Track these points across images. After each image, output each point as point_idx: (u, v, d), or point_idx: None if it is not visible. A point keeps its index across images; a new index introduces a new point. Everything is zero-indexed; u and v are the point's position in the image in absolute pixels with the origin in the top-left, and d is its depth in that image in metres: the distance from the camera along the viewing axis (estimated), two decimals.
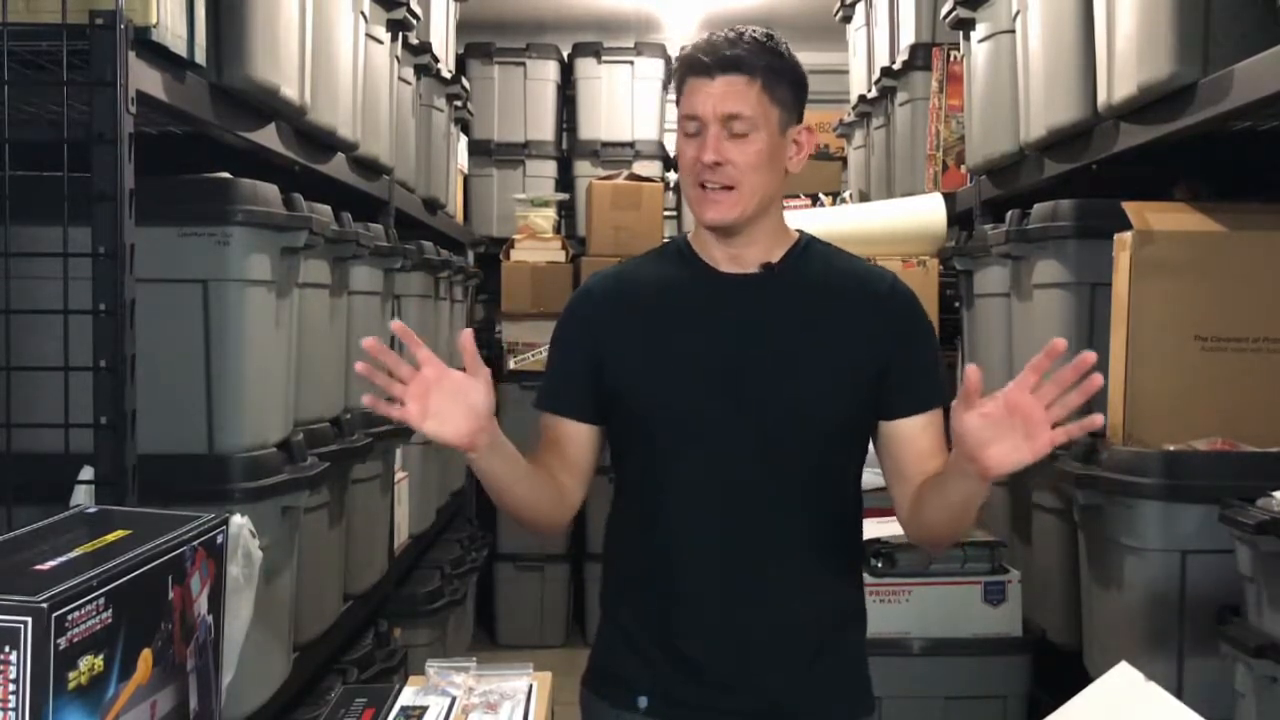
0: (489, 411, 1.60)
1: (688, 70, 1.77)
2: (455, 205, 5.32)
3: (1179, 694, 1.57)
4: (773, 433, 1.76)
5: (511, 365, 5.65)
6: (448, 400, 1.59)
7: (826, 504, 1.81)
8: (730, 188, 1.74)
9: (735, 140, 1.73)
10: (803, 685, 1.79)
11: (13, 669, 1.04)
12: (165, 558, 1.27)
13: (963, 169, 3.92)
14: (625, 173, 5.90)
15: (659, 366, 1.79)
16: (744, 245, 1.80)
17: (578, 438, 1.83)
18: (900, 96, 4.47)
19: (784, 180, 1.82)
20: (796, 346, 1.78)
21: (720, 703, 1.77)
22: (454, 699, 1.78)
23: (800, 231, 1.89)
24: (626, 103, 6.36)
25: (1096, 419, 1.51)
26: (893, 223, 3.90)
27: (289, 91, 2.47)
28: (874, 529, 2.94)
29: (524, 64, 6.30)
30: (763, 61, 1.74)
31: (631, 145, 6.34)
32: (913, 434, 1.79)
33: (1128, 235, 2.43)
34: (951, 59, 4.04)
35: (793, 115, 1.79)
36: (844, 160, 5.78)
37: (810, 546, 1.79)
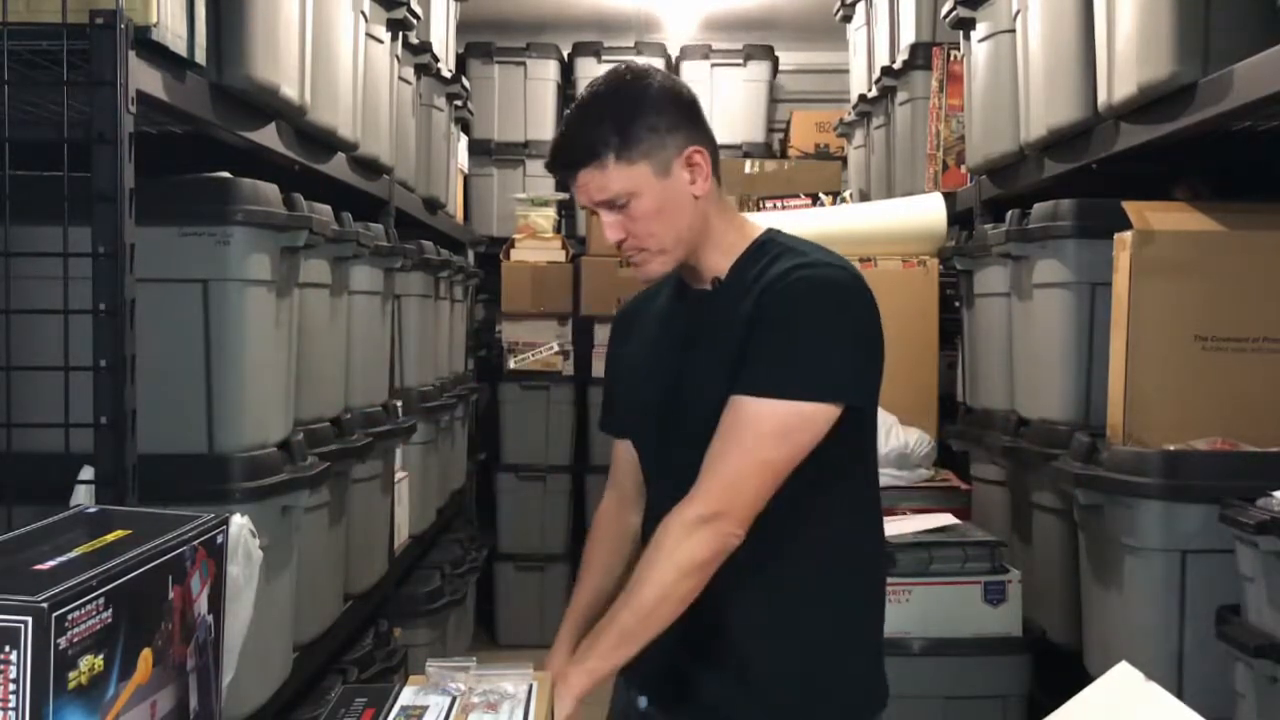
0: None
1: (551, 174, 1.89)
2: (455, 205, 5.32)
3: (1179, 694, 1.57)
4: (694, 440, 1.74)
5: (511, 365, 5.65)
6: None
7: (768, 511, 1.73)
8: (641, 249, 1.81)
9: (622, 212, 1.78)
10: (735, 694, 1.80)
11: (13, 669, 1.04)
12: (165, 558, 1.27)
13: (963, 169, 3.92)
14: None
15: (626, 379, 1.97)
16: (696, 270, 1.86)
17: (627, 451, 2.00)
18: (900, 96, 4.47)
19: (701, 205, 1.80)
20: (714, 356, 1.78)
21: (685, 702, 1.84)
22: (454, 699, 1.78)
23: (768, 231, 1.88)
24: None
25: None
26: (893, 223, 3.90)
27: (289, 91, 2.47)
28: None
29: (524, 64, 6.29)
30: (601, 138, 1.74)
31: None
32: (726, 413, 1.70)
33: (1128, 235, 2.43)
34: (952, 59, 4.04)
35: (668, 150, 1.76)
36: (844, 160, 5.78)
37: (754, 556, 1.75)
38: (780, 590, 1.81)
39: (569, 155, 1.79)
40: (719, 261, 1.83)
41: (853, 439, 1.79)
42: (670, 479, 1.79)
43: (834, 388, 1.71)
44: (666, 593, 1.67)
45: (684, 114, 1.79)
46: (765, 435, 1.68)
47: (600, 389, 2.17)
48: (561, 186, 6.30)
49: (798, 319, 1.72)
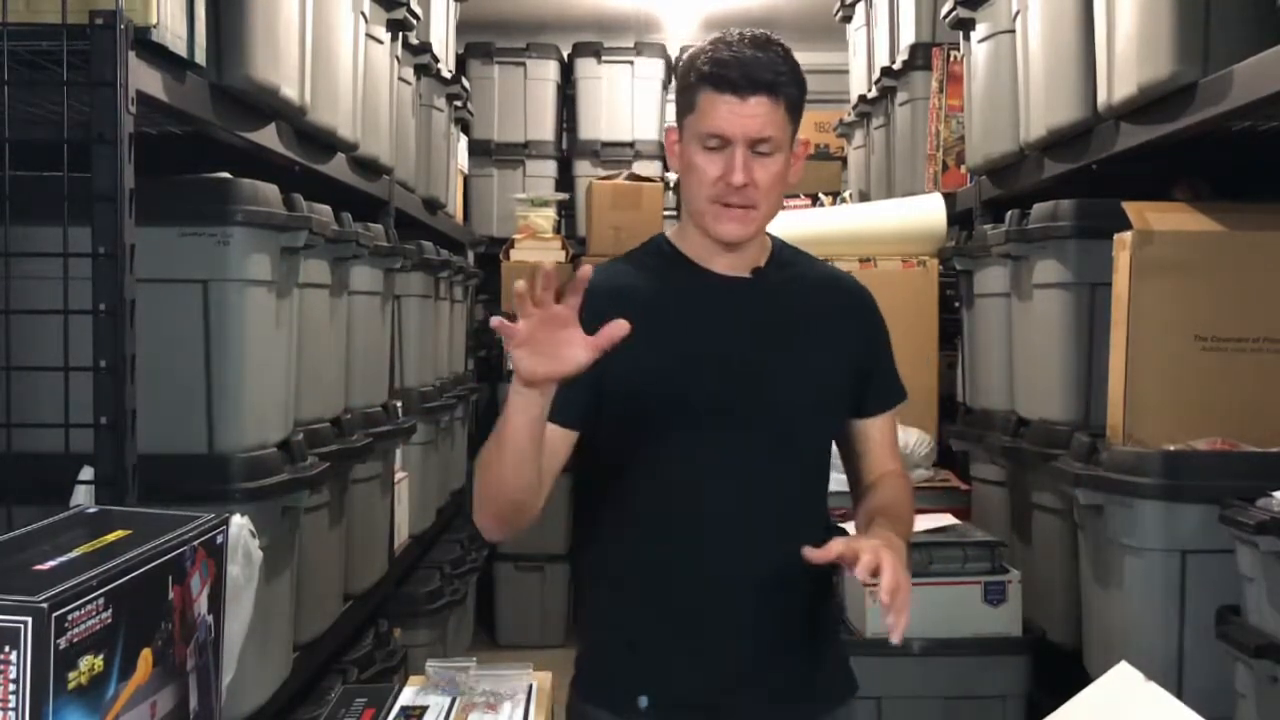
0: (577, 369, 1.56)
1: (715, 85, 1.71)
2: (455, 205, 5.32)
3: (1179, 694, 1.57)
4: (772, 431, 1.79)
5: (511, 365, 5.64)
6: (550, 342, 1.55)
7: (816, 499, 1.88)
8: (751, 206, 1.75)
9: (759, 160, 1.73)
10: (804, 675, 1.83)
11: (13, 669, 1.04)
12: (165, 558, 1.27)
13: (963, 169, 3.92)
14: (625, 173, 5.91)
15: (664, 368, 1.78)
16: (739, 252, 1.83)
17: (556, 441, 1.77)
18: (900, 96, 4.47)
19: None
20: (790, 346, 1.82)
21: (725, 698, 1.79)
22: (454, 699, 1.78)
23: (768, 234, 1.90)
24: (626, 103, 6.36)
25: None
26: (893, 223, 3.90)
27: (289, 91, 2.47)
28: None
29: (524, 64, 6.30)
30: (788, 80, 1.73)
31: (631, 145, 6.34)
32: (877, 431, 1.90)
33: (1128, 235, 2.43)
34: (951, 59, 4.04)
35: (797, 128, 1.79)
36: (844, 160, 5.78)
37: (803, 541, 1.79)
38: (826, 583, 1.90)
39: (758, 74, 1.70)
40: (758, 251, 1.85)
41: None
42: (732, 466, 1.77)
43: None
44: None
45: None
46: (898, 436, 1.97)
47: None
48: (562, 186, 6.32)
49: (888, 331, 1.93)
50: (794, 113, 1.75)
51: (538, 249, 5.69)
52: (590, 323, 1.77)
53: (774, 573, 1.79)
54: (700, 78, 1.74)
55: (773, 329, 1.82)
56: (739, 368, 1.79)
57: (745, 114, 1.70)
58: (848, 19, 5.50)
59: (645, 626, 1.81)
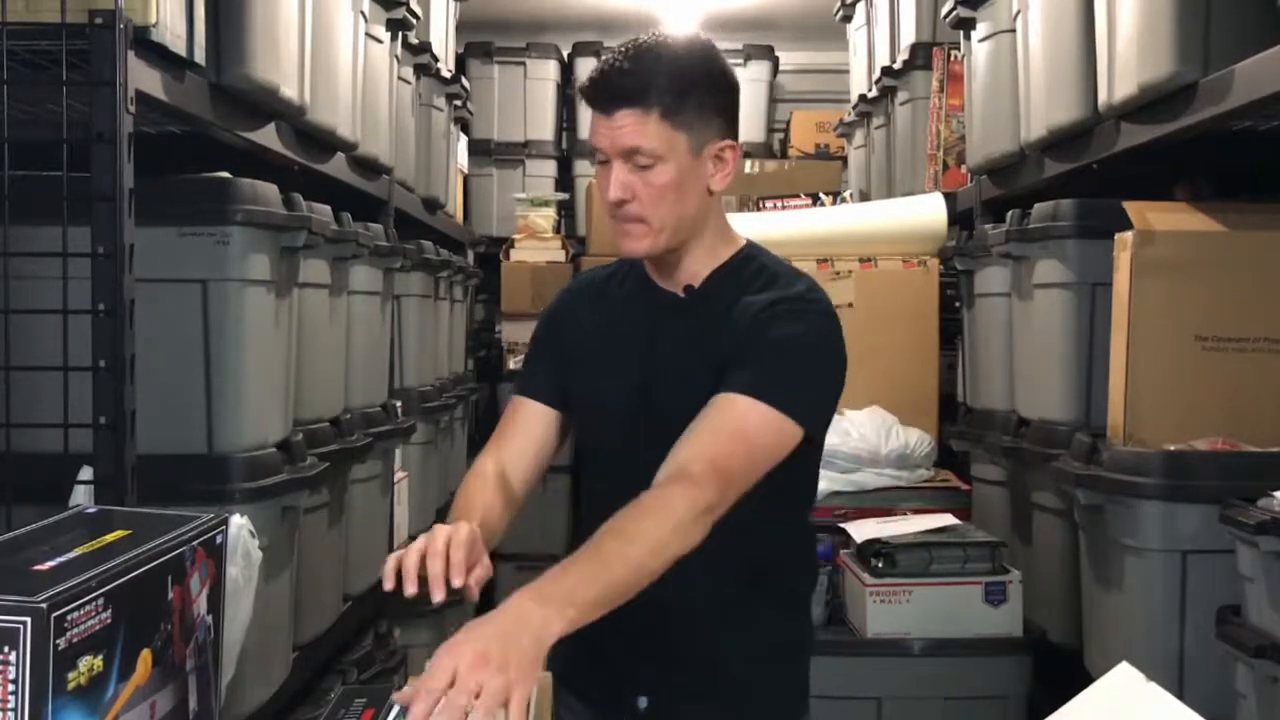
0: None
1: (588, 102, 1.73)
2: (455, 205, 5.32)
3: (1179, 694, 1.57)
4: (666, 450, 1.71)
5: (511, 365, 5.65)
6: None
7: (737, 516, 1.68)
8: (639, 220, 1.73)
9: (640, 172, 1.70)
10: (733, 698, 1.82)
11: (13, 669, 1.04)
12: (165, 558, 1.27)
13: (963, 169, 3.92)
14: None
15: (593, 382, 1.85)
16: (672, 266, 1.82)
17: (544, 419, 1.88)
18: (900, 96, 4.47)
19: (708, 200, 1.78)
20: (690, 367, 1.77)
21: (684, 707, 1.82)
22: None
23: (748, 242, 1.87)
24: None
25: None
26: (893, 223, 3.90)
27: (289, 91, 2.47)
28: (874, 529, 2.94)
29: (524, 64, 6.30)
30: (660, 87, 1.68)
31: None
32: (710, 409, 1.67)
33: (1128, 235, 2.43)
34: (952, 58, 4.04)
35: (708, 133, 1.73)
36: (844, 160, 5.78)
37: (715, 563, 1.69)
38: (760, 611, 1.85)
39: (618, 87, 1.69)
40: (696, 266, 1.82)
41: (807, 468, 1.85)
42: (640, 481, 1.68)
43: (804, 412, 1.70)
44: (657, 549, 1.57)
45: (730, 105, 1.77)
46: (745, 428, 1.66)
47: None
48: (562, 186, 6.32)
49: (797, 340, 1.72)
50: (678, 119, 1.69)
51: (537, 249, 5.69)
52: (550, 324, 1.93)
53: (684, 595, 1.72)
54: (580, 95, 1.77)
55: (676, 347, 1.80)
56: (631, 385, 1.80)
57: (613, 128, 1.70)
58: (848, 19, 5.50)
59: (604, 627, 1.83)
